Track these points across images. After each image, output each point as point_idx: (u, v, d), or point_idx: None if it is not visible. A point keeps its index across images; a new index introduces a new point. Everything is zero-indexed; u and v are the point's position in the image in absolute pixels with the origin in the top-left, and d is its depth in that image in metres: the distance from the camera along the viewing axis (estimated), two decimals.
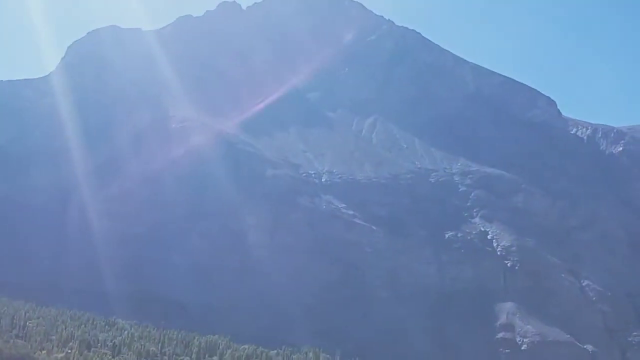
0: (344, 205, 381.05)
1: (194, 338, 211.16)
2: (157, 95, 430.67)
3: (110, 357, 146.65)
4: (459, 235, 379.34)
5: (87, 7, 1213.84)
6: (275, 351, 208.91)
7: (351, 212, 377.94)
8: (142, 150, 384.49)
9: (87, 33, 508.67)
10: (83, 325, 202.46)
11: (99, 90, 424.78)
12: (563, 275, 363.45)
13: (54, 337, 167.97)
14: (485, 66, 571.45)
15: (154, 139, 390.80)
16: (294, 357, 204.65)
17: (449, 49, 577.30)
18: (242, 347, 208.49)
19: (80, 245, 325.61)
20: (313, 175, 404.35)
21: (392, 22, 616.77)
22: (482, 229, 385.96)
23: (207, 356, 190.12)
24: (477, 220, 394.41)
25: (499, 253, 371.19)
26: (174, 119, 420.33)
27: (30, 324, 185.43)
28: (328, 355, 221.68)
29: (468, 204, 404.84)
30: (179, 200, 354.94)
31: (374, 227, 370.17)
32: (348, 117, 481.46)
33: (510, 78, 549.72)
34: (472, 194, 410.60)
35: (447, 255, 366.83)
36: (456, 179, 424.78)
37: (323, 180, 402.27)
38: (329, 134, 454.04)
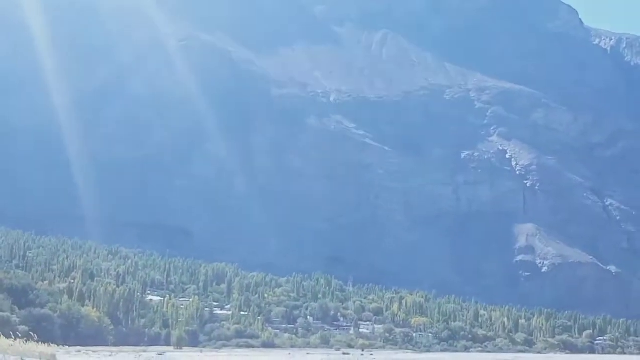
0: (354, 125, 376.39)
1: (201, 266, 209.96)
2: (154, 13, 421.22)
3: (114, 286, 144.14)
4: (476, 154, 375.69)
5: None
6: (285, 278, 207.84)
7: (362, 133, 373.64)
8: (143, 70, 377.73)
9: None
10: (85, 255, 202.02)
11: (95, 10, 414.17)
12: (585, 194, 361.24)
13: (55, 267, 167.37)
14: None
15: (154, 59, 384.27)
16: (304, 284, 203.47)
17: None
18: (251, 274, 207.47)
19: (81, 170, 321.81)
20: (321, 94, 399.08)
21: None
22: (500, 148, 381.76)
23: (214, 284, 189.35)
24: (494, 138, 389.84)
25: (518, 172, 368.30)
26: (173, 37, 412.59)
27: (30, 254, 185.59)
28: (340, 282, 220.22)
29: (485, 121, 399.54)
30: (182, 122, 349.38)
31: (386, 148, 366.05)
32: (356, 32, 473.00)
33: None
34: (489, 111, 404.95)
35: (464, 175, 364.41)
36: (472, 95, 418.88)
37: (332, 99, 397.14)
38: (336, 50, 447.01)
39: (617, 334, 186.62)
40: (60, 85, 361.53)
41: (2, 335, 44.28)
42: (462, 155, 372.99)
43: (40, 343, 47.59)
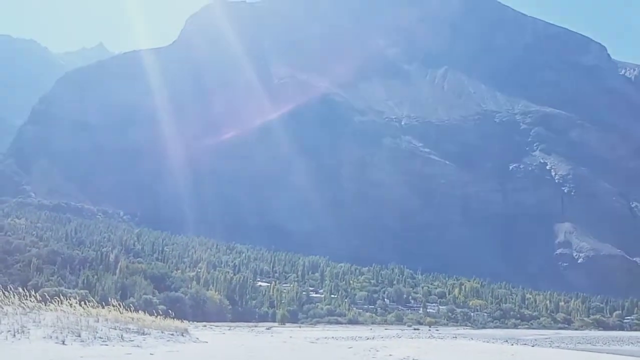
0: (421, 144, 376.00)
1: (299, 258, 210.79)
2: (262, 56, 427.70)
3: (232, 275, 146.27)
4: (521, 166, 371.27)
5: None
6: (367, 268, 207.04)
7: (427, 150, 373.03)
8: (251, 103, 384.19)
9: (201, 8, 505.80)
10: (209, 250, 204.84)
11: (214, 55, 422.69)
12: (614, 198, 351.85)
13: (186, 259, 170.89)
14: (542, 18, 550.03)
15: (260, 94, 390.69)
16: (382, 272, 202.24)
17: (509, 5, 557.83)
18: (339, 265, 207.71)
19: (207, 184, 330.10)
20: (394, 119, 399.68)
21: None
22: (542, 161, 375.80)
23: (310, 273, 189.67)
24: (537, 153, 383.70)
25: (557, 181, 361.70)
26: (275, 76, 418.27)
27: (167, 249, 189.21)
28: (411, 271, 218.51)
29: (529, 139, 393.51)
30: (283, 144, 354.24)
31: (447, 162, 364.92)
32: (422, 69, 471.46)
33: (564, 28, 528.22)
34: (532, 131, 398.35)
35: (511, 184, 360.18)
36: (518, 118, 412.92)
37: (403, 123, 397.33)
38: (406, 84, 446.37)
39: None
40: (185, 117, 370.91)
41: (146, 313, 45.41)
42: (510, 168, 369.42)
43: (175, 319, 48.63)
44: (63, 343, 28.44)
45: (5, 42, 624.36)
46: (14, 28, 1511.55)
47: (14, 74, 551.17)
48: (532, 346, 53.48)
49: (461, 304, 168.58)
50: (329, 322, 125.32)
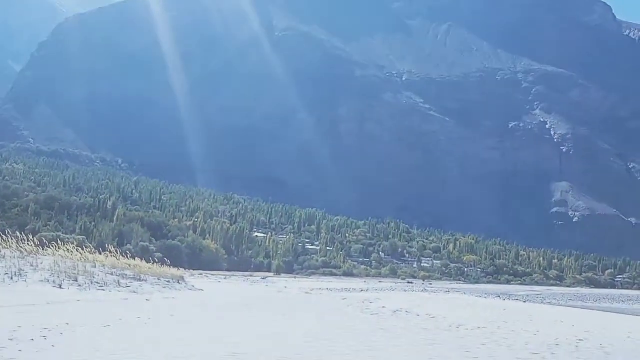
0: (421, 100, 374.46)
1: (295, 210, 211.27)
2: (265, 7, 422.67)
3: (228, 225, 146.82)
4: (521, 125, 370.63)
5: None
6: (363, 222, 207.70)
7: (428, 106, 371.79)
8: (252, 54, 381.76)
9: None
10: (206, 199, 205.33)
11: (218, 3, 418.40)
12: (612, 159, 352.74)
13: (183, 209, 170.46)
14: None
15: (262, 45, 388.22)
16: (378, 226, 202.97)
17: None
18: (336, 218, 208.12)
19: (202, 134, 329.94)
20: (395, 74, 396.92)
21: None
22: (542, 120, 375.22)
23: (306, 225, 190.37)
24: (537, 112, 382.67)
25: (556, 140, 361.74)
26: (277, 28, 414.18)
27: (164, 198, 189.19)
28: (407, 226, 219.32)
29: (530, 98, 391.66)
30: (284, 95, 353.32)
31: (447, 119, 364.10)
32: (425, 24, 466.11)
33: None
34: (534, 90, 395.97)
35: (511, 142, 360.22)
36: (519, 76, 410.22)
37: (404, 79, 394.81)
38: (408, 39, 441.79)
39: (634, 273, 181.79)
40: (186, 67, 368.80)
41: (143, 260, 45.85)
42: (510, 126, 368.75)
43: (171, 267, 49.10)
44: (60, 287, 28.75)
45: None
46: None
47: (13, 19, 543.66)
48: (524, 302, 54.16)
49: (455, 259, 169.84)
50: (324, 274, 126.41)
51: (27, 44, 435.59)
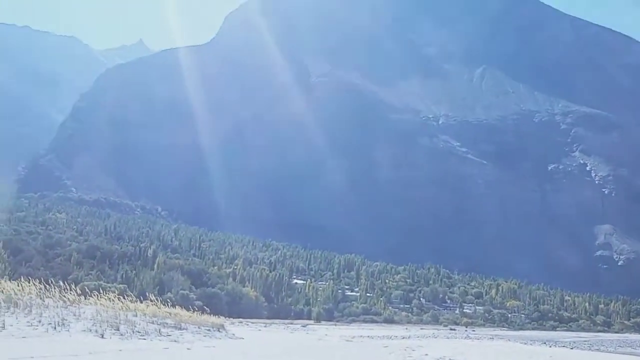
0: (458, 143, 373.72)
1: (334, 256, 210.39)
2: (299, 53, 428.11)
3: (268, 271, 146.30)
4: (561, 167, 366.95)
5: None
6: (402, 267, 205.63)
7: (465, 149, 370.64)
8: (287, 100, 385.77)
9: (240, 5, 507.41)
10: (245, 246, 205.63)
11: (252, 52, 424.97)
12: None
13: (222, 256, 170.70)
14: (583, 17, 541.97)
15: (297, 91, 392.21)
16: (418, 272, 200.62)
17: (549, 4, 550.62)
18: (375, 263, 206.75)
19: (240, 181, 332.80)
20: (431, 118, 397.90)
21: None
22: (582, 162, 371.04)
23: (345, 271, 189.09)
24: (577, 154, 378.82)
25: (597, 182, 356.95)
26: (313, 74, 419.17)
27: (203, 245, 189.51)
28: (447, 271, 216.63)
29: (568, 139, 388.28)
30: (319, 140, 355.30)
31: (484, 162, 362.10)
32: (460, 68, 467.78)
33: (606, 27, 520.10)
34: (572, 131, 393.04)
35: (550, 184, 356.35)
36: (557, 118, 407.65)
37: (440, 122, 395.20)
38: (444, 83, 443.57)
39: None
40: (223, 113, 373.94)
41: (183, 308, 45.86)
42: (549, 168, 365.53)
43: (211, 315, 49.06)
44: (102, 336, 28.77)
45: (47, 40, 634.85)
46: (56, 25, 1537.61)
47: (56, 71, 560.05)
48: (571, 348, 52.73)
49: (498, 304, 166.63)
50: (365, 321, 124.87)
51: (70, 95, 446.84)
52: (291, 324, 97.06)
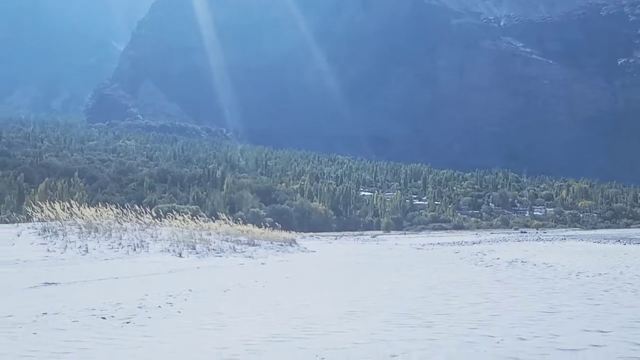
0: (522, 44, 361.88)
1: (400, 167, 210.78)
2: None
3: (335, 185, 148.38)
4: (631, 60, 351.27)
5: None
6: (470, 173, 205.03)
7: (529, 50, 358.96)
8: (345, 12, 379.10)
9: None
10: (311, 162, 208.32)
11: None
12: None
13: (289, 173, 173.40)
14: None
15: (352, 2, 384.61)
16: (485, 177, 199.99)
17: None
18: (442, 171, 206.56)
19: (302, 97, 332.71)
20: (492, 20, 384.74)
21: None
22: None
23: (412, 181, 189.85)
24: None
25: None
26: None
27: (270, 163, 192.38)
28: (515, 175, 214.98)
29: (639, 31, 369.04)
30: (379, 52, 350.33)
31: (550, 61, 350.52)
32: None
33: None
34: None
35: (620, 80, 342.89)
36: (626, 9, 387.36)
37: (502, 23, 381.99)
38: None
39: None
40: (282, 32, 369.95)
41: (255, 225, 46.99)
42: (619, 63, 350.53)
43: (282, 231, 50.15)
44: (180, 255, 29.90)
45: None
46: None
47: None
48: None
49: (569, 205, 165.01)
50: (434, 229, 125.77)
51: (129, 23, 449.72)
52: (361, 235, 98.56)
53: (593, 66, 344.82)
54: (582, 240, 63.04)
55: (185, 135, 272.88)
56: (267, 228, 46.38)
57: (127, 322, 11.22)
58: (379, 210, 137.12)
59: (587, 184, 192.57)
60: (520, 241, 63.27)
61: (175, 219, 37.97)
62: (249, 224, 46.14)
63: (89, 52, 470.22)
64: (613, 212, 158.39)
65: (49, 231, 30.27)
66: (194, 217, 40.65)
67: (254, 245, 38.42)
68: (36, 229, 31.11)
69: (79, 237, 29.97)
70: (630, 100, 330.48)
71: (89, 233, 31.09)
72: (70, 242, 28.77)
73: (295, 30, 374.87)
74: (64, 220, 32.52)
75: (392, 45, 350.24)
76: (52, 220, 32.27)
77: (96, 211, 34.27)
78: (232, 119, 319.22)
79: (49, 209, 33.15)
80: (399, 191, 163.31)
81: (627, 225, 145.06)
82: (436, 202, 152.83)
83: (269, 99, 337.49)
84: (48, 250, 26.67)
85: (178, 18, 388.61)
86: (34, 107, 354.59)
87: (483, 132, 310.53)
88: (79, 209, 33.76)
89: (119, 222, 33.97)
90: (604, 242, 55.61)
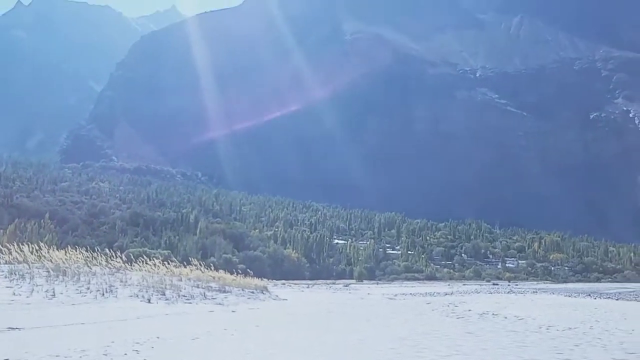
0: (497, 95, 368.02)
1: (374, 215, 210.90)
2: (333, 14, 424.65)
3: (308, 233, 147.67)
4: (603, 115, 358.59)
5: None
6: (443, 223, 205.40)
7: (504, 101, 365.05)
8: (322, 58, 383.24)
9: None
10: (285, 208, 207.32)
11: (288, 10, 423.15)
12: None
13: (263, 219, 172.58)
14: None
15: (332, 49, 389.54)
16: (459, 228, 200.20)
17: None
18: (415, 221, 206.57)
19: (278, 143, 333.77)
20: (468, 71, 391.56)
21: None
22: (625, 108, 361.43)
23: (386, 230, 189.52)
24: (619, 100, 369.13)
25: None
26: (347, 32, 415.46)
27: (244, 209, 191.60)
28: (489, 226, 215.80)
29: (610, 86, 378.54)
30: (355, 97, 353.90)
31: (524, 113, 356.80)
32: (497, 18, 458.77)
33: None
34: (614, 77, 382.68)
35: (592, 133, 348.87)
36: (599, 65, 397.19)
37: (478, 75, 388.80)
38: (480, 34, 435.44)
39: None
40: (258, 76, 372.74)
41: (227, 271, 46.77)
42: (591, 116, 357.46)
43: (254, 278, 49.93)
44: (149, 301, 29.58)
45: (81, 10, 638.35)
46: None
47: (92, 40, 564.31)
48: (616, 299, 52.46)
49: (541, 258, 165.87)
50: (407, 279, 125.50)
51: (106, 64, 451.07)
52: (333, 284, 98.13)
53: (566, 119, 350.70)
54: (553, 293, 63.50)
55: (160, 179, 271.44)
56: (239, 275, 46.14)
57: None
58: (352, 259, 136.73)
59: (558, 236, 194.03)
60: (492, 293, 63.52)
61: (146, 263, 37.66)
62: (220, 270, 45.92)
63: (67, 93, 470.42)
64: (584, 266, 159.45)
65: (15, 274, 29.84)
66: (165, 262, 40.39)
67: (225, 292, 38.15)
68: (2, 271, 30.65)
69: (47, 281, 29.57)
70: (601, 153, 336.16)
71: (57, 277, 30.69)
72: (37, 285, 28.38)
73: (272, 76, 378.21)
74: (32, 263, 32.12)
75: (368, 93, 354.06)
76: (19, 262, 31.85)
77: (65, 254, 33.90)
78: (208, 163, 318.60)
79: (16, 251, 32.74)
80: (372, 240, 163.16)
81: (598, 280, 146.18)
82: (409, 252, 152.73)
83: (244, 143, 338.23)
84: (14, 294, 26.27)
85: (157, 60, 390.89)
86: (8, 147, 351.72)
87: (457, 182, 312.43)
88: (48, 252, 33.38)
89: (88, 266, 33.62)
90: (575, 296, 56.03)
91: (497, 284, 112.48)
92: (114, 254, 36.66)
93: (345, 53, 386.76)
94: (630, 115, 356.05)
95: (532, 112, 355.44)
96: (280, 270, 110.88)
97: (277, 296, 44.27)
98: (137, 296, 30.27)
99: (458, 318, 26.30)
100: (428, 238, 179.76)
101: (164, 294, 31.87)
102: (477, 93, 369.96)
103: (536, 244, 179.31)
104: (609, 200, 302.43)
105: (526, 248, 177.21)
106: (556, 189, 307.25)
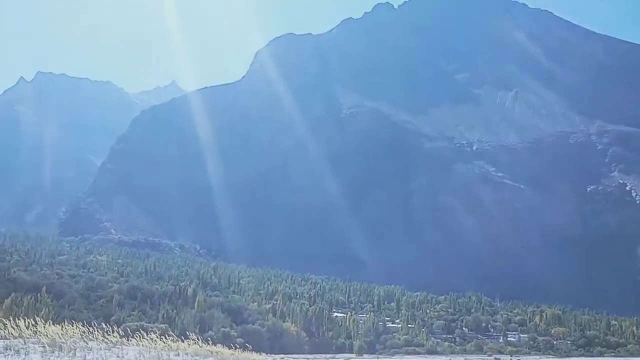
0: (494, 168, 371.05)
1: (374, 288, 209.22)
2: (330, 88, 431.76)
3: (308, 306, 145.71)
4: (600, 188, 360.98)
5: (267, 18, 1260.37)
6: (443, 297, 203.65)
7: (501, 174, 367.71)
8: (321, 133, 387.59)
9: (268, 42, 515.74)
10: (284, 281, 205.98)
11: (284, 86, 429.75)
12: None
13: (262, 292, 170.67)
14: (613, 36, 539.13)
15: (330, 124, 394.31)
16: (459, 301, 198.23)
17: (579, 24, 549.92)
18: (415, 294, 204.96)
19: (278, 215, 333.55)
20: (465, 144, 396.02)
21: (526, 4, 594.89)
22: (621, 181, 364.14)
23: (385, 303, 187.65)
24: (615, 174, 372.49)
25: (638, 202, 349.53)
26: (344, 106, 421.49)
27: (243, 282, 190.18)
28: (489, 299, 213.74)
29: (606, 160, 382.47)
30: (353, 173, 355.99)
31: (521, 186, 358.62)
32: (492, 92, 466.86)
33: (638, 44, 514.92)
34: (610, 151, 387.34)
35: (590, 206, 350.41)
36: (594, 138, 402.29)
37: (474, 148, 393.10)
38: (476, 108, 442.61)
39: None
40: (257, 150, 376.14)
41: (225, 346, 45.92)
42: (588, 190, 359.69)
43: (253, 352, 49.03)
44: None
45: (83, 85, 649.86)
46: (92, 71, 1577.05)
47: (93, 115, 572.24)
48: None
49: (543, 332, 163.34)
50: (407, 353, 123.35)
51: (107, 138, 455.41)
52: (333, 358, 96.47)
53: (563, 192, 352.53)
54: None
55: (158, 251, 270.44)
56: (237, 349, 45.25)
57: None
58: (352, 332, 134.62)
59: (560, 310, 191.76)
60: None
61: (143, 338, 37.00)
62: (219, 345, 45.09)
63: (67, 166, 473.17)
64: (586, 340, 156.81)
65: (10, 349, 29.23)
66: (163, 337, 39.66)
67: None
68: None
69: (42, 356, 28.96)
70: (600, 226, 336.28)
71: (53, 352, 30.06)
72: None
73: (273, 149, 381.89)
74: (28, 338, 31.53)
75: (367, 166, 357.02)
76: (15, 337, 31.27)
77: (62, 329, 33.31)
78: (207, 235, 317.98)
79: (12, 326, 32.17)
80: (372, 313, 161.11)
81: (601, 354, 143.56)
82: (409, 325, 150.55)
83: (244, 216, 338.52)
84: None
85: (157, 134, 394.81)
86: (6, 221, 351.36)
87: (456, 255, 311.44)
88: (44, 327, 32.80)
89: (84, 341, 32.98)
90: None
91: (499, 359, 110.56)
92: (110, 328, 36.04)
93: (342, 125, 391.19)
94: (627, 188, 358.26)
95: (529, 185, 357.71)
96: (279, 344, 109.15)
97: None
98: None
99: None
100: (428, 311, 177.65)
101: None
102: (474, 166, 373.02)
103: (537, 318, 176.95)
104: (609, 272, 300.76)
105: (527, 321, 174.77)
106: (555, 261, 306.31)
